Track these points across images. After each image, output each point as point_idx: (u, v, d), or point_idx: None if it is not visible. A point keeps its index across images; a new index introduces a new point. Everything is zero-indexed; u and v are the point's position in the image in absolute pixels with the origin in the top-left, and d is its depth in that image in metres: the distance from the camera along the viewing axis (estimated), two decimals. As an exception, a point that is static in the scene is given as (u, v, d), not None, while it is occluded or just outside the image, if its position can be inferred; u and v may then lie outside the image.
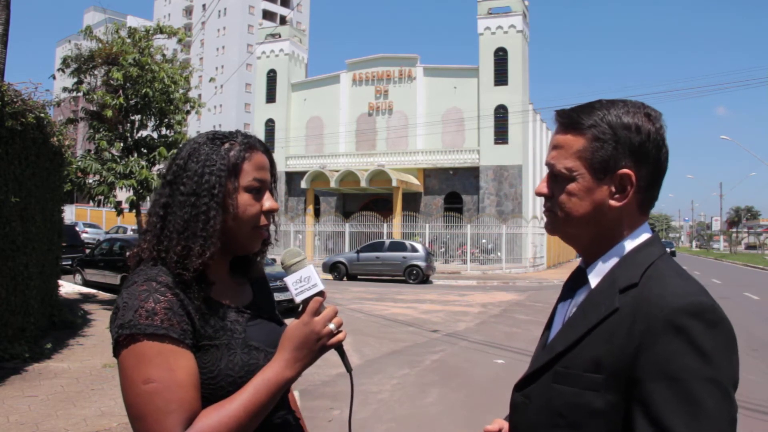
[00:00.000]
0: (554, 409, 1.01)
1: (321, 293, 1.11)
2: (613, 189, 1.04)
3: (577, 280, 1.13)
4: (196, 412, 1.03)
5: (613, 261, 1.05)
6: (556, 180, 1.08)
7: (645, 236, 1.06)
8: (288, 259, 1.15)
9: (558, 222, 1.09)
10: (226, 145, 1.15)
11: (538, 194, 1.11)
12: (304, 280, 1.11)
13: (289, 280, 1.12)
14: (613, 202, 1.04)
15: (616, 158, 1.03)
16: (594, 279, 1.06)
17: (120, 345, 1.03)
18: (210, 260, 1.10)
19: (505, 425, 1.23)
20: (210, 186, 1.11)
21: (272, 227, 1.23)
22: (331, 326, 1.10)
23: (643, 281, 0.98)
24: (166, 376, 1.01)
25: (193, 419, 1.02)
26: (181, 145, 1.20)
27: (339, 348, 1.13)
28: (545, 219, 1.14)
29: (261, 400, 1.05)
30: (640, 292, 0.97)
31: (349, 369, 1.17)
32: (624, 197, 1.04)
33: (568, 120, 1.07)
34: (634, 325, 0.93)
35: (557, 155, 1.07)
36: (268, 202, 1.17)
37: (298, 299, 1.11)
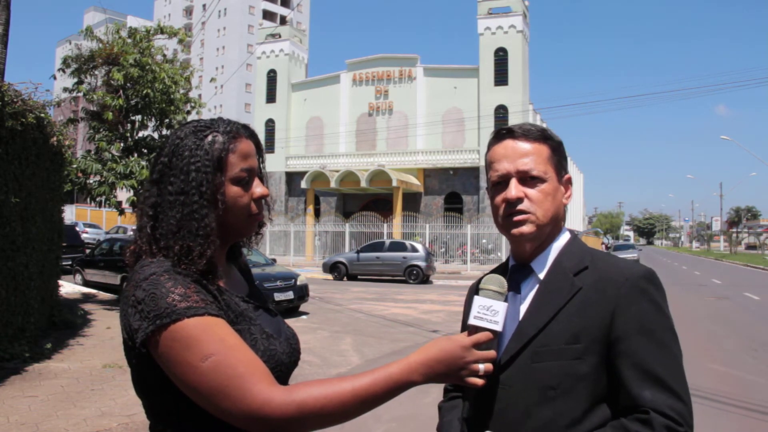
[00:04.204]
0: (542, 384, 1.12)
1: (495, 333, 1.08)
2: (563, 190, 1.25)
3: (517, 274, 1.25)
4: (265, 369, 1.00)
5: (555, 253, 1.23)
6: (527, 184, 1.20)
7: (566, 231, 1.27)
8: (490, 283, 1.13)
9: (536, 222, 1.19)
10: (209, 138, 1.11)
11: (514, 199, 1.19)
12: (491, 312, 1.09)
13: (478, 300, 1.10)
14: (564, 201, 1.26)
15: (563, 164, 1.26)
16: (541, 270, 1.21)
17: (156, 335, 0.99)
18: (213, 257, 1.09)
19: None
20: (198, 184, 1.08)
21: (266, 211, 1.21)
22: (481, 367, 1.06)
23: (592, 264, 1.18)
24: (221, 346, 0.99)
25: (268, 376, 0.99)
26: (164, 141, 1.17)
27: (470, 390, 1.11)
28: (510, 224, 1.20)
29: (375, 392, 1.01)
30: (593, 272, 1.16)
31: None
32: (570, 196, 1.27)
33: (535, 133, 1.23)
34: (603, 296, 1.12)
35: (531, 161, 1.20)
36: (258, 188, 1.15)
37: (473, 322, 1.09)
